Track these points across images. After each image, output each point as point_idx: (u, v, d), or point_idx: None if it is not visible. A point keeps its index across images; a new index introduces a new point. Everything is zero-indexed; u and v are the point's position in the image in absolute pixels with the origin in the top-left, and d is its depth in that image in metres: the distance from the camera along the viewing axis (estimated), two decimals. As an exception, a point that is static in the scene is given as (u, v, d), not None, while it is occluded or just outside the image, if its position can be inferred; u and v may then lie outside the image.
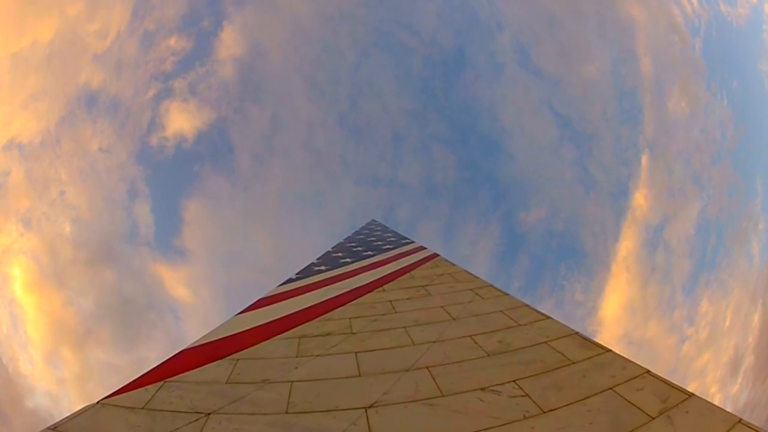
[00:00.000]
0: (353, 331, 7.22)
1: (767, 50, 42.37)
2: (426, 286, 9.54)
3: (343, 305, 8.57)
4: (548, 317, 7.81)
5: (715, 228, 43.18)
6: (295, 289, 10.22)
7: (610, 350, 6.28)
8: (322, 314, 8.20)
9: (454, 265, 11.66)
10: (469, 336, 6.88)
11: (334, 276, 11.25)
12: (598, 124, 46.54)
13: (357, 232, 20.23)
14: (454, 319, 7.57)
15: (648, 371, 5.30)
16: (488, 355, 6.25)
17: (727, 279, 40.70)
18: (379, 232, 19.51)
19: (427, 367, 5.85)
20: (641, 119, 46.11)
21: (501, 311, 8.03)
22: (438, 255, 13.20)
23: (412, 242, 16.13)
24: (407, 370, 5.79)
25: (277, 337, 7.42)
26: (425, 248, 14.66)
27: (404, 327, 7.23)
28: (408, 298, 8.70)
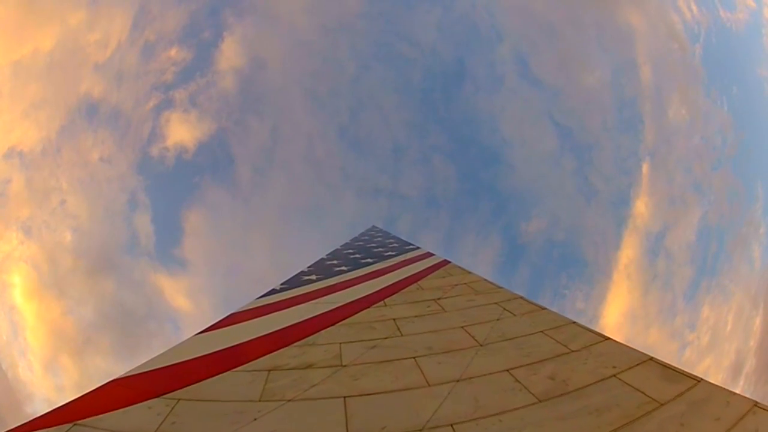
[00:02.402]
0: (343, 363, 5.23)
1: (767, 55, 42.76)
2: (438, 299, 7.54)
3: (332, 325, 6.57)
4: (607, 337, 5.89)
5: (716, 234, 43.10)
6: (276, 302, 8.23)
7: (701, 379, 4.54)
8: (304, 337, 6.20)
9: (470, 272, 9.66)
10: (507, 370, 4.89)
11: (326, 287, 9.26)
12: (598, 133, 46.61)
13: (356, 238, 18.22)
14: (481, 344, 5.57)
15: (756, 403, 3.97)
16: (539, 401, 4.28)
17: (728, 284, 40.60)
18: (380, 238, 17.50)
19: (452, 425, 3.87)
20: (641, 128, 46.18)
21: (542, 332, 6.04)
22: (449, 261, 11.21)
23: (418, 248, 14.15)
24: (421, 430, 3.80)
25: (239, 368, 5.43)
26: (433, 254, 12.67)
27: (414, 357, 5.23)
28: (417, 316, 6.70)
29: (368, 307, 7.30)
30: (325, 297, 8.33)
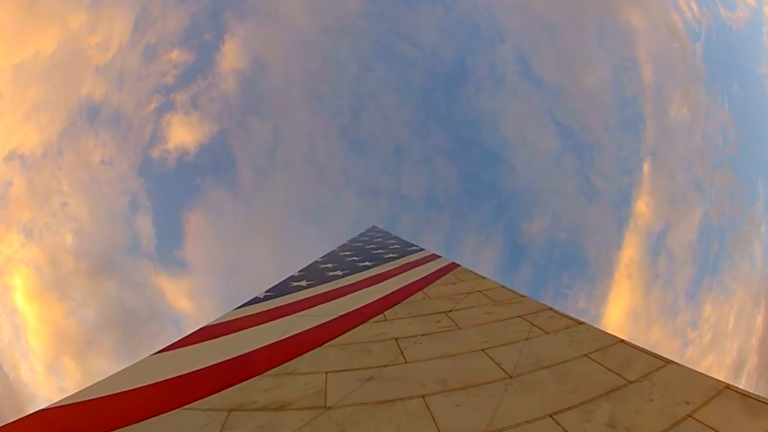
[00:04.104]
0: (328, 404, 3.89)
1: (767, 53, 42.70)
2: (450, 311, 6.19)
3: (318, 346, 5.24)
4: (668, 360, 4.68)
5: (717, 232, 42.98)
6: (255, 315, 6.89)
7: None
8: (282, 362, 4.87)
9: (483, 277, 8.32)
10: (550, 415, 3.58)
11: (316, 296, 7.93)
12: (599, 133, 46.42)
13: (354, 239, 16.85)
14: (510, 376, 4.22)
15: None
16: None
17: (729, 282, 40.57)
18: (380, 239, 16.13)
19: None
20: (642, 127, 45.89)
21: (586, 356, 4.72)
22: (458, 265, 9.86)
23: (422, 249, 12.80)
24: None
25: (192, 405, 4.12)
26: (439, 256, 11.32)
27: (422, 395, 3.88)
28: (424, 334, 5.35)
29: (364, 321, 5.96)
30: (313, 308, 6.99)
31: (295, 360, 4.92)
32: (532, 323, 5.61)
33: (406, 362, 4.60)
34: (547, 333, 5.34)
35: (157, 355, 5.76)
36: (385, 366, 4.53)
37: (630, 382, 4.23)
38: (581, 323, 5.73)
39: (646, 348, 5.26)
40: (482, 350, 4.81)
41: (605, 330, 5.63)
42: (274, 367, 4.79)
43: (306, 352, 5.10)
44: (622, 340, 5.27)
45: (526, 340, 5.12)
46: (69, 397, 4.69)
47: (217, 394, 4.30)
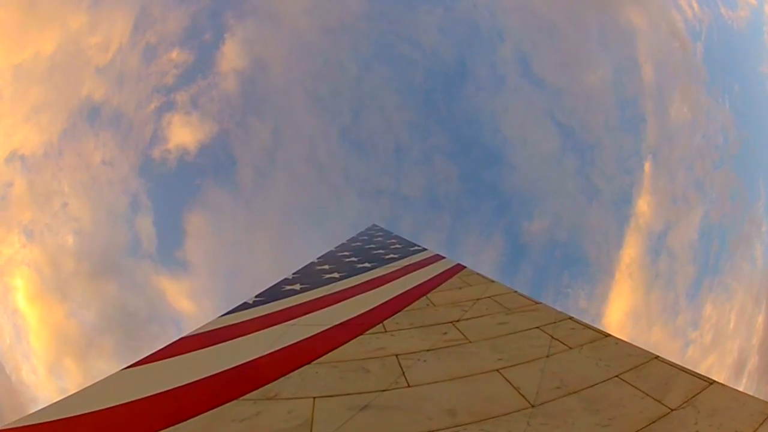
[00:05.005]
0: (313, 441, 3.21)
1: None
2: (457, 321, 5.50)
3: (307, 363, 4.55)
4: (711, 381, 4.13)
5: (718, 232, 42.72)
6: (240, 323, 6.21)
7: None
8: (264, 383, 4.19)
9: (492, 281, 7.63)
10: (586, 460, 2.87)
11: (309, 301, 7.24)
12: (600, 133, 46.04)
13: (353, 238, 16.12)
14: (532, 405, 3.53)
15: None
16: None
17: (730, 282, 40.32)
18: (380, 238, 15.42)
19: None
20: (643, 126, 45.64)
21: (619, 377, 4.05)
22: (464, 266, 9.17)
23: (424, 249, 12.10)
24: None
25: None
26: (443, 257, 10.62)
27: (428, 432, 3.20)
28: (429, 350, 4.66)
29: (361, 333, 5.28)
30: (305, 316, 6.30)
31: (279, 381, 4.25)
32: (552, 336, 4.92)
33: (409, 386, 3.91)
34: (570, 348, 4.66)
35: (127, 370, 5.10)
36: (384, 391, 3.84)
37: (672, 410, 3.57)
38: (607, 335, 5.04)
39: (683, 365, 4.61)
40: (497, 371, 4.12)
41: (636, 344, 4.94)
42: (254, 389, 4.12)
43: (293, 370, 4.42)
44: (657, 357, 4.59)
45: (547, 357, 4.43)
46: (23, 418, 4.08)
47: (184, 423, 3.64)
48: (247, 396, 4.03)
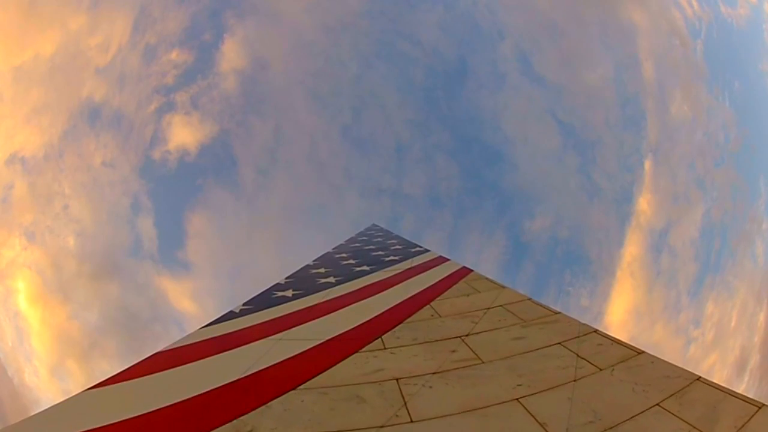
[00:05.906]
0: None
1: None
2: (467, 336, 4.81)
3: (292, 389, 3.86)
4: (762, 404, 3.38)
5: (720, 230, 42.85)
6: (220, 337, 5.53)
7: None
8: (237, 416, 3.50)
9: (503, 286, 6.93)
10: None
11: (300, 311, 6.55)
12: (601, 131, 46.09)
13: (351, 239, 15.40)
14: (566, 449, 2.84)
15: None
16: None
17: (732, 280, 40.44)
18: (380, 238, 14.71)
19: None
20: (644, 124, 45.71)
21: (659, 406, 3.37)
22: (470, 270, 8.48)
23: (427, 251, 11.41)
24: None
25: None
26: (447, 259, 9.92)
27: (437, 490, 2.51)
28: (436, 372, 3.97)
29: (356, 350, 4.58)
30: (295, 328, 5.62)
31: (257, 411, 3.56)
32: (577, 354, 4.24)
33: (411, 421, 3.23)
34: (600, 369, 3.97)
35: (91, 391, 4.46)
36: (382, 427, 3.15)
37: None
38: (641, 352, 4.35)
39: (725, 385, 3.94)
40: (516, 400, 3.44)
41: (674, 363, 4.26)
42: (226, 422, 3.44)
43: (274, 397, 3.74)
44: (699, 378, 3.92)
45: (575, 381, 3.75)
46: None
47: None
48: (219, 430, 3.35)
